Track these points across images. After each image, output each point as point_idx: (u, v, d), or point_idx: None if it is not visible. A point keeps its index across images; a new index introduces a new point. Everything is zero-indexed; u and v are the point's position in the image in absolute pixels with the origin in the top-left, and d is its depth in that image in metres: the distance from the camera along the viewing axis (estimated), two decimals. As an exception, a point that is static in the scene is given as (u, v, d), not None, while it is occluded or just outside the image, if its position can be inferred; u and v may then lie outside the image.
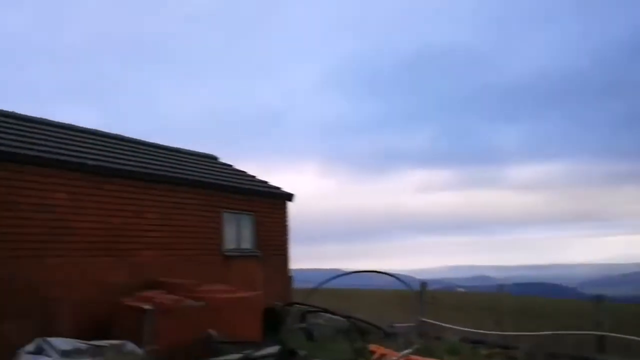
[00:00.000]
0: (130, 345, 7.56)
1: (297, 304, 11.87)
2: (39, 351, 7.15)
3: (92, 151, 10.19)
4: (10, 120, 10.09)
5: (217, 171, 13.35)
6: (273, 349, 7.69)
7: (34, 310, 8.13)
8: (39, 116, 11.00)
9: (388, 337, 9.93)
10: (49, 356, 7.11)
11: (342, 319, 10.69)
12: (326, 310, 11.17)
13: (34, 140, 9.27)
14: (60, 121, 11.40)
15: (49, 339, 7.30)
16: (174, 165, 11.88)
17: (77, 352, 7.29)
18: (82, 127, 11.72)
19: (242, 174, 14.25)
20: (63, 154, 9.16)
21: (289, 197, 13.79)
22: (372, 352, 8.44)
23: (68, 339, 7.49)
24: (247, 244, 12.43)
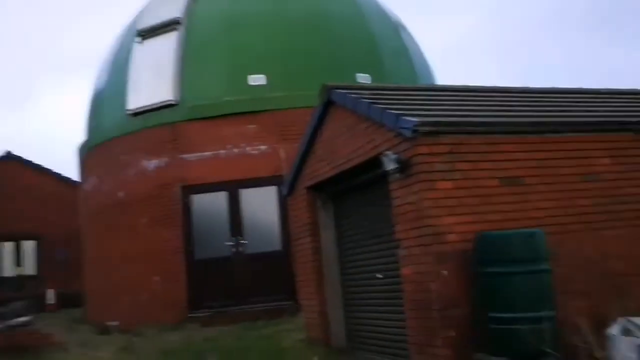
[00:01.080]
0: None
1: None
2: (625, 332, 6.45)
3: (619, 108, 9.13)
4: (529, 95, 9.86)
5: None
6: None
7: (594, 286, 7.50)
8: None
9: None
10: (636, 337, 6.36)
11: None
12: None
13: (561, 108, 8.77)
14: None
15: (632, 318, 6.53)
16: None
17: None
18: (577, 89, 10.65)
19: None
20: (599, 116, 8.37)
21: None
22: None
23: (652, 319, 6.59)
24: None
